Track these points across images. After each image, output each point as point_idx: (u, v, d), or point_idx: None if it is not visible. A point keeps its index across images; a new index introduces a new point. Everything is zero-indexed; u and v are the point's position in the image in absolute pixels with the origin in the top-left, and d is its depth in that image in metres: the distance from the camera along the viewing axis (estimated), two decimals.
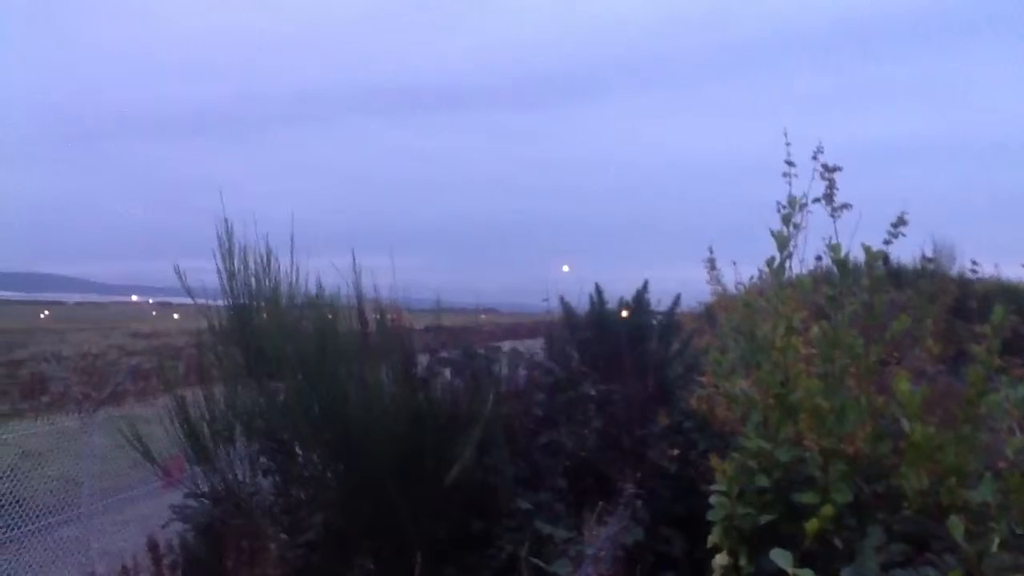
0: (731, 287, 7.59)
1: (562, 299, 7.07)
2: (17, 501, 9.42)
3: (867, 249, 3.62)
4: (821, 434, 3.46)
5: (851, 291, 3.65)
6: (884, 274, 3.69)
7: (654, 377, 6.09)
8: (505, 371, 5.57)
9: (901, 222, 3.95)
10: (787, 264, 3.96)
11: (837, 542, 2.98)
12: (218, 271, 5.30)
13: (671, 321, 7.08)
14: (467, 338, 6.39)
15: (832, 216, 3.84)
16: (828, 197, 3.87)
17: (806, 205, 3.90)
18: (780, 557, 2.47)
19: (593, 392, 5.74)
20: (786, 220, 3.87)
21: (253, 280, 5.31)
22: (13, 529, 8.99)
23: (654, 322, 6.96)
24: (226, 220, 5.28)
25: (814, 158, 3.94)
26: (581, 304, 7.16)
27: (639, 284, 7.06)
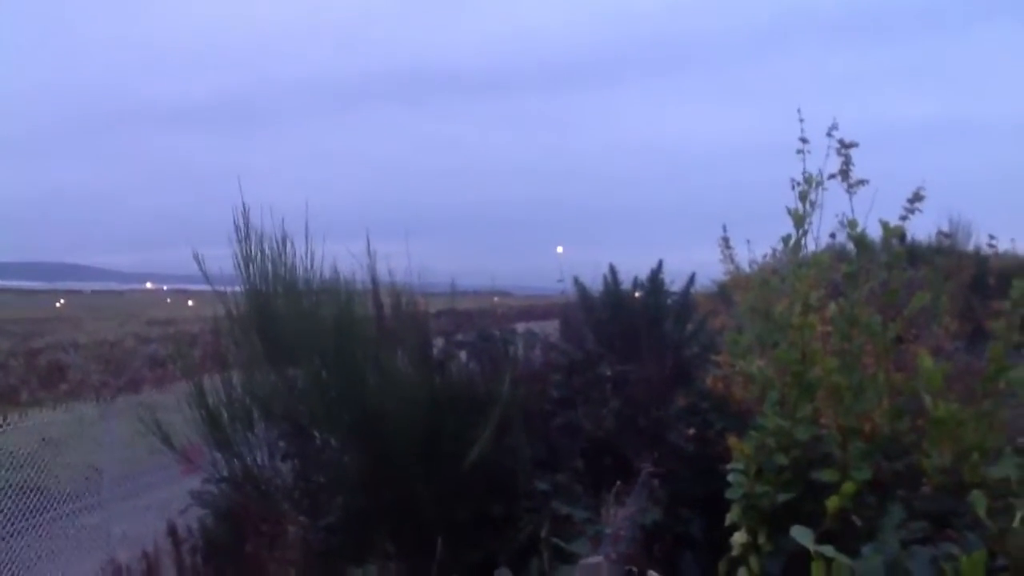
0: (745, 266, 7.56)
1: (576, 280, 7.05)
2: (38, 488, 9.47)
3: (885, 225, 3.59)
4: (839, 412, 3.45)
5: (867, 268, 3.63)
6: (902, 251, 3.67)
7: (670, 357, 6.08)
8: (521, 353, 5.58)
9: (917, 198, 3.92)
10: (803, 242, 3.95)
11: (856, 520, 2.97)
12: (234, 257, 5.32)
13: (686, 301, 7.05)
14: (481, 321, 6.39)
15: (848, 192, 3.81)
16: (844, 173, 3.84)
17: (822, 183, 3.87)
18: (801, 534, 2.46)
19: (609, 373, 5.74)
20: (803, 197, 3.85)
21: (269, 265, 5.32)
22: (35, 516, 9.04)
23: (669, 302, 6.93)
24: (243, 205, 5.29)
25: (828, 135, 3.91)
26: (596, 286, 7.13)
27: (653, 265, 7.02)
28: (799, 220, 3.88)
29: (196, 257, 5.34)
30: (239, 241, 5.30)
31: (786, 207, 3.88)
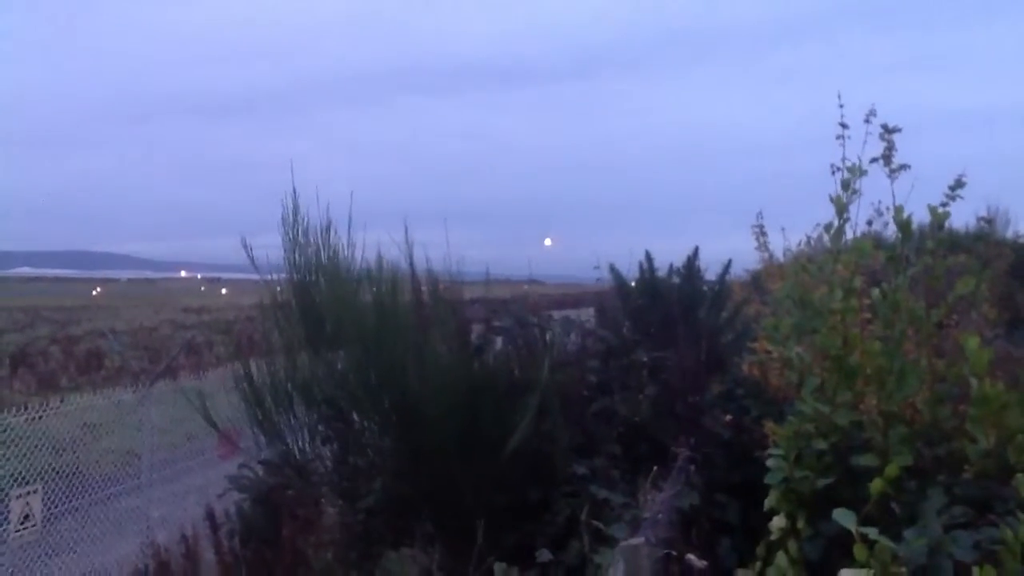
0: (779, 254, 7.54)
1: (612, 267, 7.04)
2: (79, 472, 9.64)
3: (933, 210, 3.58)
4: (880, 398, 3.44)
5: (908, 255, 3.62)
6: (944, 237, 3.65)
7: (706, 344, 6.07)
8: (558, 339, 5.60)
9: (959, 184, 3.89)
10: (844, 228, 3.94)
11: (895, 507, 2.97)
12: (282, 244, 5.39)
13: (722, 288, 7.03)
14: (517, 308, 6.41)
15: (890, 177, 3.79)
16: (886, 158, 3.82)
17: (865, 172, 3.86)
18: (844, 517, 2.47)
19: (646, 359, 5.75)
20: (845, 185, 3.85)
21: (312, 252, 5.39)
22: (76, 499, 9.20)
23: (705, 289, 6.91)
24: (293, 191, 5.36)
25: (867, 121, 3.89)
26: (630, 273, 7.13)
27: (688, 252, 7.00)
28: (841, 207, 3.86)
29: (244, 244, 5.43)
30: (286, 227, 5.37)
31: (828, 195, 3.87)
